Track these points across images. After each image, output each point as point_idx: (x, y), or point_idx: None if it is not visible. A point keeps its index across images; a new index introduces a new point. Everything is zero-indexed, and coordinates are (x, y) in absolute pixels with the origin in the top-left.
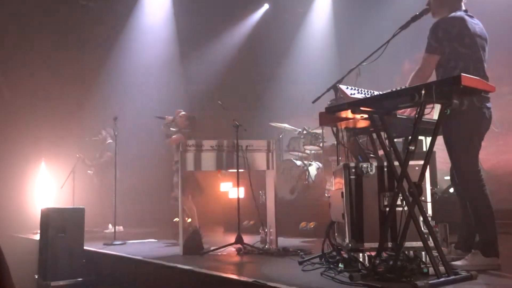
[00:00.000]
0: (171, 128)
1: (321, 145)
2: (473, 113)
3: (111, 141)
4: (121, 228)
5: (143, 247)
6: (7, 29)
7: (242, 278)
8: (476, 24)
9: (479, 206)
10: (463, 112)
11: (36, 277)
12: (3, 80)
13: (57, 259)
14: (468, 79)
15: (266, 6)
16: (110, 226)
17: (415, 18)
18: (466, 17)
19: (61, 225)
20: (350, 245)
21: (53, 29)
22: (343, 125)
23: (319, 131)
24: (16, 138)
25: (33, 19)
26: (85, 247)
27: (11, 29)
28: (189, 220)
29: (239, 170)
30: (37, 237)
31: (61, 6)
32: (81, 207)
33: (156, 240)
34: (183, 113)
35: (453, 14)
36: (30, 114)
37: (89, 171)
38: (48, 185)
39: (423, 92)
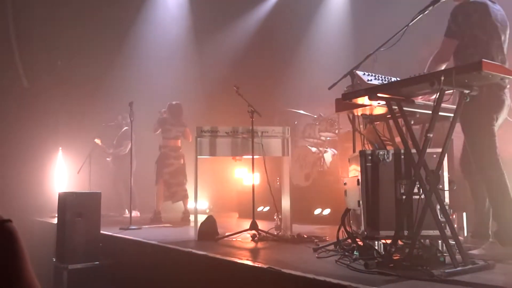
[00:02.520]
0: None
1: (336, 131)
2: (493, 101)
3: (127, 128)
4: (138, 213)
5: (158, 232)
6: (29, 18)
7: (257, 264)
8: (498, 10)
9: (497, 194)
10: (482, 99)
11: (54, 260)
12: (22, 68)
13: (74, 242)
14: (489, 65)
15: None
16: (126, 211)
17: (434, 2)
18: (489, 2)
19: (78, 209)
20: (365, 232)
21: (70, 15)
22: (359, 111)
23: (334, 117)
24: (34, 121)
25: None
26: (101, 231)
27: (32, 19)
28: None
29: (254, 156)
30: (55, 220)
31: None
32: (97, 191)
33: (170, 225)
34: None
35: None
36: (48, 100)
37: (107, 158)
38: (65, 169)
39: (442, 78)
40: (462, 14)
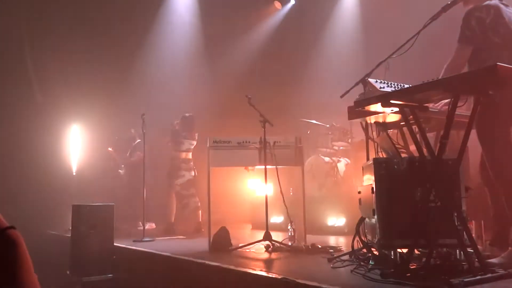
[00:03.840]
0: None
1: (349, 141)
2: (509, 106)
3: (140, 140)
4: (153, 225)
5: (171, 244)
6: (42, 33)
7: (271, 275)
8: (511, 13)
9: None
10: (498, 105)
11: (68, 273)
12: (37, 83)
13: (88, 255)
14: (505, 69)
15: (292, 1)
16: (140, 223)
17: (446, 8)
18: (501, 5)
19: (91, 222)
20: (381, 241)
21: (83, 29)
22: (372, 119)
23: (347, 127)
24: (48, 134)
25: (64, 23)
26: (115, 244)
27: (45, 34)
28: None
29: (267, 167)
30: (68, 233)
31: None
32: (111, 204)
33: (184, 237)
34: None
35: (487, 2)
36: (62, 115)
37: (120, 171)
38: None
39: (456, 83)
40: (475, 18)
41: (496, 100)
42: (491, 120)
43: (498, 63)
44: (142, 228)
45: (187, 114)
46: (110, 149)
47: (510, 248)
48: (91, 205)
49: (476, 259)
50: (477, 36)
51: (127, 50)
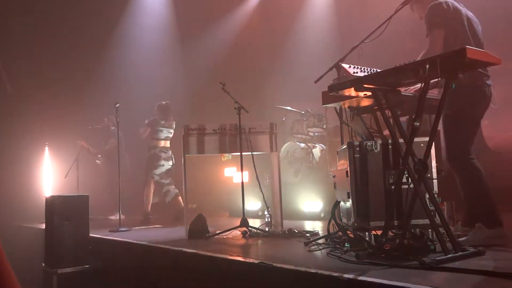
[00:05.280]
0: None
1: (324, 127)
2: (473, 90)
3: (114, 128)
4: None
5: (148, 233)
6: (9, 21)
7: (248, 260)
8: (462, 6)
9: (471, 179)
10: (462, 88)
11: (43, 265)
12: (6, 73)
13: (63, 246)
14: (473, 51)
15: None
16: (116, 212)
17: None
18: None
19: (65, 213)
20: (356, 224)
21: (53, 17)
22: (346, 104)
23: (322, 113)
24: (19, 126)
25: (33, 10)
26: (91, 234)
27: (13, 22)
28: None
29: (243, 153)
30: (43, 226)
31: None
32: (85, 194)
33: (161, 226)
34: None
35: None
36: (33, 105)
37: (97, 161)
38: (52, 173)
39: (427, 66)
40: (440, 8)
41: (465, 82)
42: (454, 102)
43: (467, 46)
44: (117, 218)
45: (163, 102)
46: (81, 143)
47: (476, 224)
48: (64, 196)
49: (448, 239)
50: (446, 21)
51: (99, 39)
